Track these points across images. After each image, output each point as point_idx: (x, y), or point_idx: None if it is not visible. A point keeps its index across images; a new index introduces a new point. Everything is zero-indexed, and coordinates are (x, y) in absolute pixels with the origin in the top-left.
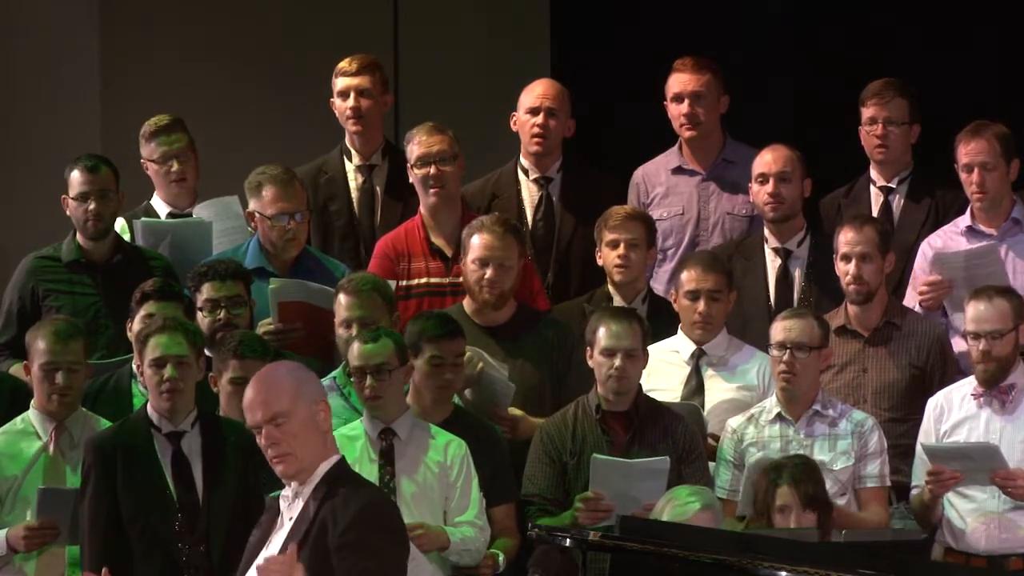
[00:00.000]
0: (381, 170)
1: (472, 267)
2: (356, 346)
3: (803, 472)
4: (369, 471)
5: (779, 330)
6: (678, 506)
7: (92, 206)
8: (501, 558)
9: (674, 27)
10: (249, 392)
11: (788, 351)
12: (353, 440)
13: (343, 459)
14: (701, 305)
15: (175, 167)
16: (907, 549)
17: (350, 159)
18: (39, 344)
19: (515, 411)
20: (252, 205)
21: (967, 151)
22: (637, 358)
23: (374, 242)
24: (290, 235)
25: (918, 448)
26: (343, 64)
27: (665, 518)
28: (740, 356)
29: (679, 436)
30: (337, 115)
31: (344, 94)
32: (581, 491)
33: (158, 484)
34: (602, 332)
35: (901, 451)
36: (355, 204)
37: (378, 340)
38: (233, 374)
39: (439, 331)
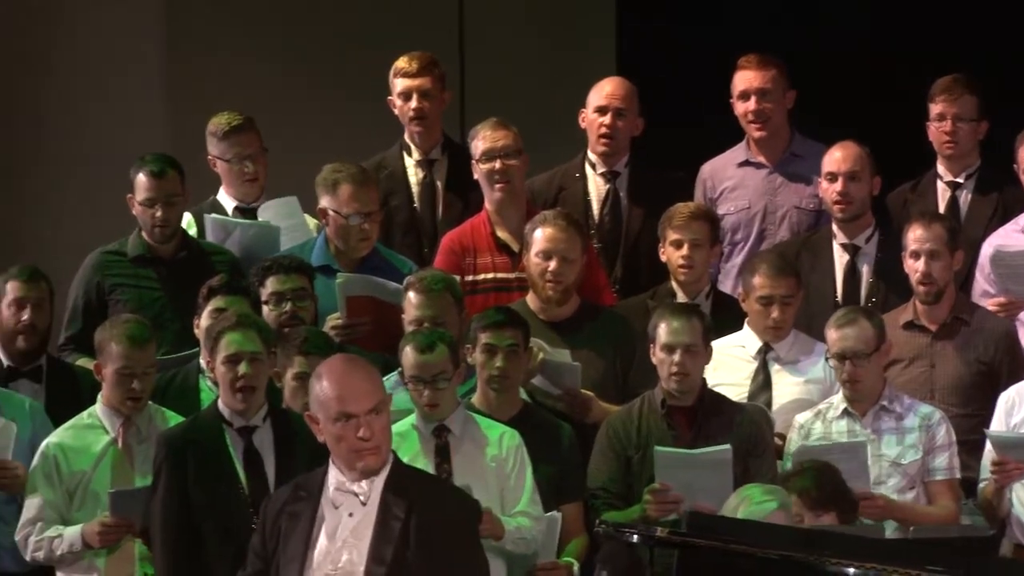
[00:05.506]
0: (441, 165)
1: (535, 260)
2: (411, 354)
3: (803, 478)
4: (424, 468)
5: (835, 340)
6: (753, 504)
7: (159, 213)
8: (575, 566)
9: (740, 23)
10: (353, 379)
11: (848, 361)
12: (404, 437)
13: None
14: (775, 312)
15: (249, 168)
16: (975, 545)
17: (410, 154)
18: (113, 348)
19: (586, 392)
20: (325, 202)
21: None
22: (698, 354)
23: (435, 237)
24: (364, 235)
25: (987, 442)
26: (402, 64)
27: (739, 517)
28: (806, 349)
29: (744, 430)
30: (398, 114)
31: (406, 95)
32: (645, 486)
33: (230, 479)
34: (662, 328)
35: (969, 447)
36: (416, 199)
37: (434, 348)
38: (299, 370)
39: (490, 319)
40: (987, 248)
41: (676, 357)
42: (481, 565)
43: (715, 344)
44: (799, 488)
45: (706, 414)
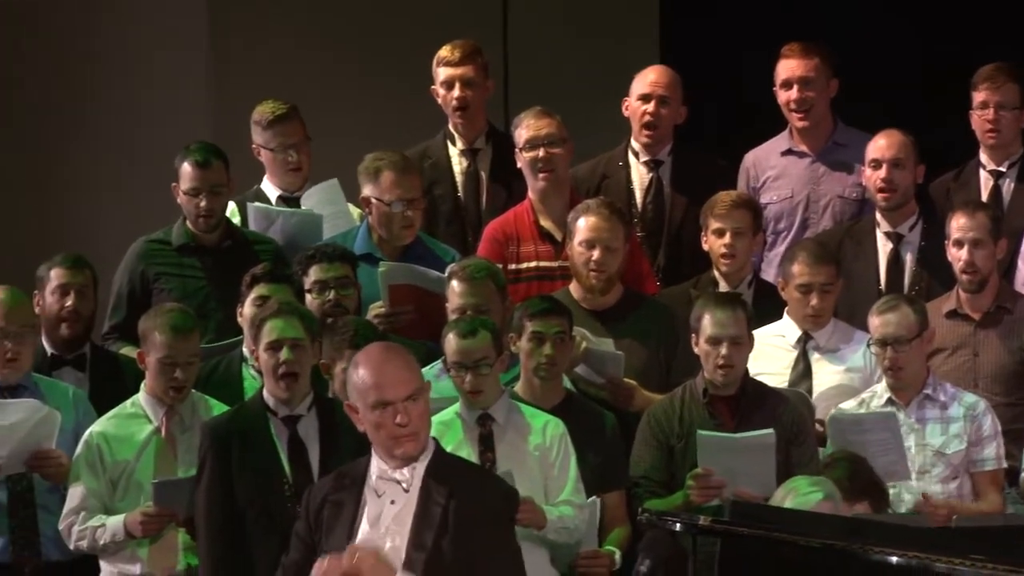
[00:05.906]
0: (485, 154)
1: (579, 249)
2: (453, 340)
3: (836, 470)
4: (468, 457)
5: (876, 326)
6: (800, 496)
7: (203, 203)
8: (618, 555)
9: (784, 11)
10: (390, 367)
11: (889, 347)
12: (448, 426)
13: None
14: (814, 299)
15: (293, 157)
16: (1018, 534)
17: (454, 143)
18: (157, 337)
19: (629, 381)
20: (368, 191)
21: None
22: (743, 345)
23: (480, 226)
24: (407, 222)
25: None
26: (444, 53)
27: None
28: (845, 338)
29: (785, 418)
30: (441, 103)
31: (448, 84)
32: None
33: (274, 468)
34: (707, 320)
35: (1012, 436)
36: (460, 188)
37: (476, 334)
38: (349, 364)
39: (537, 307)
40: None
41: (723, 350)
42: (514, 553)
43: (755, 333)
44: (832, 479)
45: (748, 403)
